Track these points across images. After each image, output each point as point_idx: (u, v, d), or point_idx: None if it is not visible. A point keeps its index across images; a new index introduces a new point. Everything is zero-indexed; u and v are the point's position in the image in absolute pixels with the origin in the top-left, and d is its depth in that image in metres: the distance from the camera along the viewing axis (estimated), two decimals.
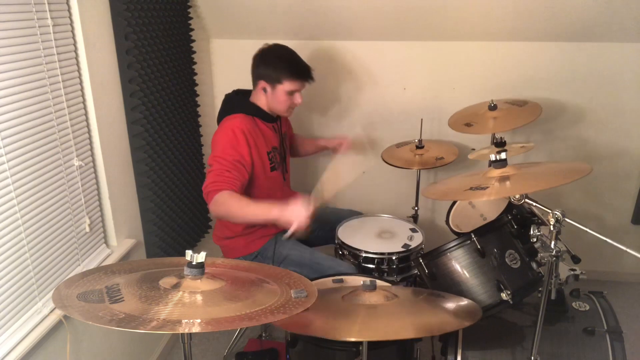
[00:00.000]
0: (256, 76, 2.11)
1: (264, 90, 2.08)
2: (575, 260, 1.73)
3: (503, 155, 1.60)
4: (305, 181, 2.86)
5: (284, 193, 2.26)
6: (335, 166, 2.30)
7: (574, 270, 1.79)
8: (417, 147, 2.56)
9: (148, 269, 1.38)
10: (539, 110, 2.34)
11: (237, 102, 2.14)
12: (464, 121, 2.43)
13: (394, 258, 2.07)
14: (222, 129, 2.05)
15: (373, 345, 1.50)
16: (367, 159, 2.95)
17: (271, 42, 2.17)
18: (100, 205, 1.97)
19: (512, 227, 1.79)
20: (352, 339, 1.29)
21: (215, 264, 1.48)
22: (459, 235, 1.94)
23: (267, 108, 2.14)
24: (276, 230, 2.20)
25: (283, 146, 2.28)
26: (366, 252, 2.08)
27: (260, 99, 2.13)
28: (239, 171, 1.95)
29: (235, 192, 1.89)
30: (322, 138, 2.58)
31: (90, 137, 1.89)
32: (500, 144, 1.92)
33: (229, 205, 1.87)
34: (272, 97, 2.09)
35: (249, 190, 2.09)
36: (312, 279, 1.88)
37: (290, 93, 2.08)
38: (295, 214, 1.78)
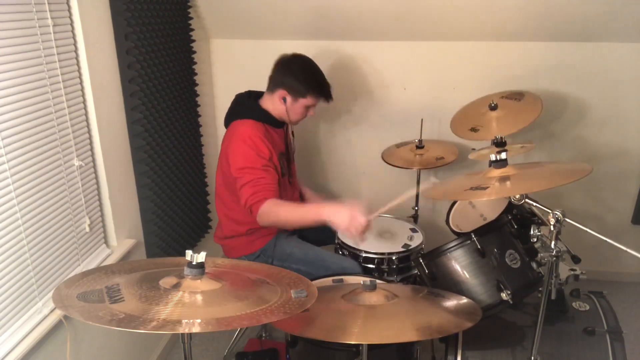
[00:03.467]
0: (279, 84, 2.08)
1: (284, 99, 2.08)
2: (576, 260, 1.73)
3: (503, 155, 1.60)
4: (310, 184, 2.85)
5: (292, 198, 2.25)
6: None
7: (574, 270, 1.79)
8: (417, 147, 2.56)
9: (148, 269, 1.38)
10: (539, 104, 2.32)
11: (248, 105, 2.13)
12: (467, 124, 2.41)
13: (394, 258, 2.07)
14: (236, 139, 2.03)
15: (373, 346, 1.50)
16: (367, 159, 2.95)
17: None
18: (100, 205, 1.97)
19: (512, 227, 1.79)
20: (352, 342, 1.29)
21: (215, 264, 1.48)
22: (459, 235, 1.94)
23: (277, 115, 2.13)
24: (278, 229, 2.21)
25: (288, 152, 2.27)
26: (366, 252, 2.08)
27: (273, 106, 2.11)
28: (270, 174, 1.98)
29: (276, 199, 1.93)
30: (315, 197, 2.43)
31: (90, 137, 1.89)
32: (500, 144, 1.92)
33: (276, 213, 1.90)
34: (291, 108, 2.10)
35: None
36: (313, 278, 1.88)
37: (309, 107, 2.12)
38: (351, 221, 1.72)
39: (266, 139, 2.04)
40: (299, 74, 2.06)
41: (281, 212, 1.90)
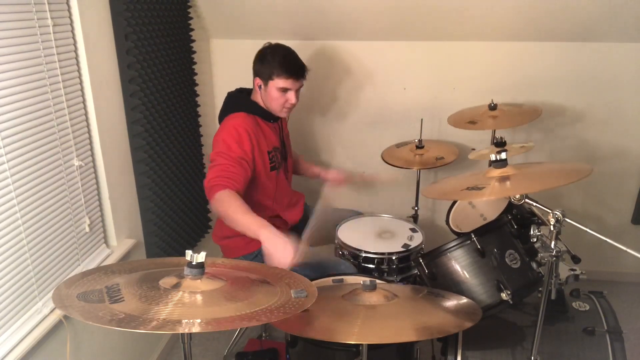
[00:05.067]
0: (253, 74, 2.12)
1: (259, 87, 2.10)
2: (576, 260, 1.73)
3: (503, 155, 1.60)
4: (306, 181, 2.86)
5: (285, 192, 2.26)
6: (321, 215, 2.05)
7: (574, 270, 1.79)
8: (417, 147, 2.56)
9: (148, 269, 1.37)
10: (538, 112, 2.35)
11: (239, 100, 2.15)
12: (466, 119, 2.43)
13: (394, 258, 2.07)
14: (225, 127, 2.05)
15: (373, 345, 1.50)
16: (367, 159, 2.95)
17: (272, 42, 2.17)
18: (100, 205, 1.97)
19: (512, 227, 1.79)
20: (352, 342, 1.29)
21: (215, 264, 1.48)
22: (459, 235, 1.94)
23: (264, 106, 2.14)
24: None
25: (284, 146, 2.28)
26: (366, 252, 2.08)
27: (259, 97, 2.13)
28: (243, 167, 1.95)
29: (237, 193, 1.87)
30: (319, 167, 2.51)
31: (90, 137, 1.89)
32: (500, 144, 1.92)
33: (228, 206, 1.83)
34: (265, 94, 2.10)
35: (250, 190, 2.09)
36: (312, 279, 1.88)
37: (284, 90, 2.06)
38: (280, 252, 1.66)
39: (254, 133, 2.05)
40: (265, 58, 2.07)
41: (232, 207, 1.82)
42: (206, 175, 1.98)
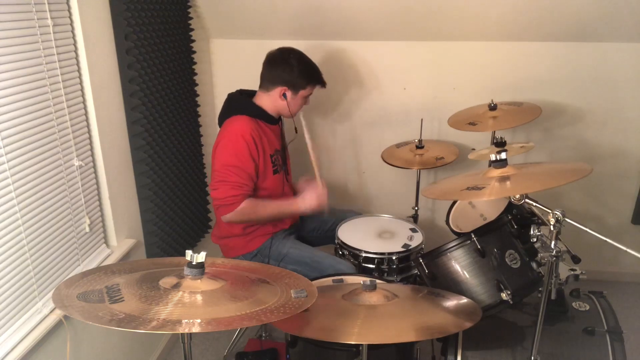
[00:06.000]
0: (277, 81, 2.08)
1: (284, 95, 2.09)
2: (575, 260, 1.73)
3: (503, 155, 1.60)
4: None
5: (285, 195, 2.26)
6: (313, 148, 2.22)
7: (574, 270, 1.79)
8: (417, 147, 2.56)
9: (148, 269, 1.38)
10: (538, 111, 2.35)
11: (241, 103, 2.14)
12: (466, 121, 2.43)
13: (394, 258, 2.07)
14: (230, 134, 2.04)
15: (373, 346, 1.50)
16: (367, 159, 2.95)
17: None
18: (100, 205, 1.97)
19: (512, 227, 1.79)
20: (352, 342, 1.29)
21: (215, 264, 1.48)
22: (459, 235, 1.94)
23: (274, 111, 2.14)
24: (274, 229, 2.21)
25: (284, 148, 2.28)
26: (366, 252, 2.08)
27: (271, 103, 2.12)
28: (253, 181, 2.07)
29: (252, 198, 2.06)
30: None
31: (90, 137, 1.89)
32: (500, 144, 1.92)
33: (254, 212, 2.06)
34: (292, 102, 2.12)
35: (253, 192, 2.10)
36: (312, 278, 1.88)
37: (307, 96, 2.16)
38: (314, 197, 2.09)
39: (259, 137, 2.06)
40: (297, 68, 2.07)
41: (258, 210, 2.07)
42: (219, 190, 2.01)
